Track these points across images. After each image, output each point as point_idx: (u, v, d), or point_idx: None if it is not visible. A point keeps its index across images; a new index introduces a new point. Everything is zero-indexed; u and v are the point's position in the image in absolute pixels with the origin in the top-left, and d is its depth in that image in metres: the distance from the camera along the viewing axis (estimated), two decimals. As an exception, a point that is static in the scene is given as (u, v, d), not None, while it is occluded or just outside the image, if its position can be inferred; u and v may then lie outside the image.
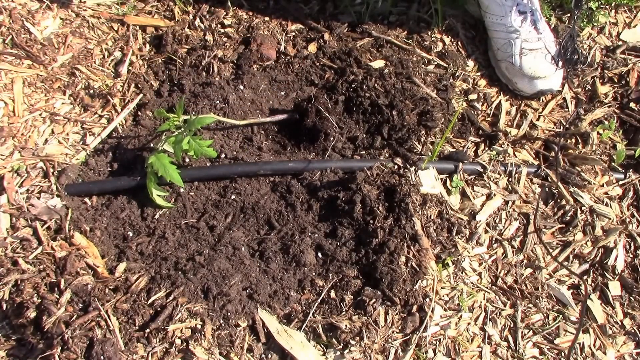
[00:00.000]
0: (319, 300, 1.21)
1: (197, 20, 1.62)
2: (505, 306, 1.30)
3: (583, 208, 1.43)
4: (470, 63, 1.64)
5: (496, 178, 1.44)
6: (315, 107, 1.41)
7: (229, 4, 1.65)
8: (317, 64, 1.57)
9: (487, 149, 1.49)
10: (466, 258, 1.32)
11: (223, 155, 1.37)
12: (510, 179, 1.44)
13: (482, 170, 1.43)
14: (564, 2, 1.74)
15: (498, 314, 1.29)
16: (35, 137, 1.38)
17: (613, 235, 1.39)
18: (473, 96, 1.58)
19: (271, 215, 1.31)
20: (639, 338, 1.31)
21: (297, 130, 1.46)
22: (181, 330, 1.14)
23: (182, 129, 1.25)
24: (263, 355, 1.17)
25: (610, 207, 1.44)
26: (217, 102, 1.44)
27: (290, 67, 1.56)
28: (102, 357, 1.08)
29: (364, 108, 1.44)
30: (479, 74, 1.63)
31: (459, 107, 1.54)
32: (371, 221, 1.27)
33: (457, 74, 1.60)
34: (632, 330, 1.31)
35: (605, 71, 1.66)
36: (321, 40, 1.61)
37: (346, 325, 1.18)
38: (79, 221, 1.26)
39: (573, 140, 1.54)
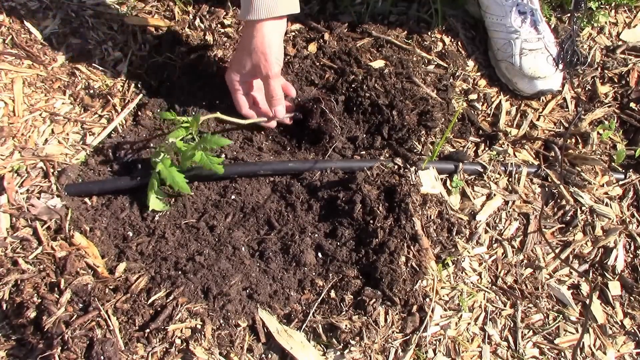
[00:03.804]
0: (319, 300, 1.21)
1: (197, 20, 1.62)
2: (505, 306, 1.30)
3: (583, 208, 1.43)
4: (470, 63, 1.64)
5: (496, 178, 1.44)
6: (320, 109, 1.41)
7: (229, 4, 1.64)
8: (317, 63, 1.57)
9: (487, 149, 1.49)
10: (466, 258, 1.33)
11: (223, 156, 1.37)
12: (510, 179, 1.44)
13: (482, 170, 1.43)
14: (564, 3, 1.74)
15: (498, 314, 1.29)
16: (35, 137, 1.38)
17: (613, 235, 1.39)
18: (473, 96, 1.58)
19: (271, 215, 1.31)
20: (639, 338, 1.31)
21: (297, 130, 1.46)
22: (181, 330, 1.14)
23: (195, 144, 1.24)
24: (263, 355, 1.17)
25: (611, 207, 1.44)
26: (218, 102, 1.44)
27: (290, 67, 1.56)
28: (102, 357, 1.08)
29: (364, 108, 1.44)
30: (479, 74, 1.63)
31: (459, 107, 1.54)
32: (371, 221, 1.27)
33: (457, 74, 1.60)
34: (632, 330, 1.31)
35: (605, 71, 1.66)
36: (321, 40, 1.61)
37: (346, 325, 1.18)
38: (79, 221, 1.26)
39: (573, 140, 1.54)
